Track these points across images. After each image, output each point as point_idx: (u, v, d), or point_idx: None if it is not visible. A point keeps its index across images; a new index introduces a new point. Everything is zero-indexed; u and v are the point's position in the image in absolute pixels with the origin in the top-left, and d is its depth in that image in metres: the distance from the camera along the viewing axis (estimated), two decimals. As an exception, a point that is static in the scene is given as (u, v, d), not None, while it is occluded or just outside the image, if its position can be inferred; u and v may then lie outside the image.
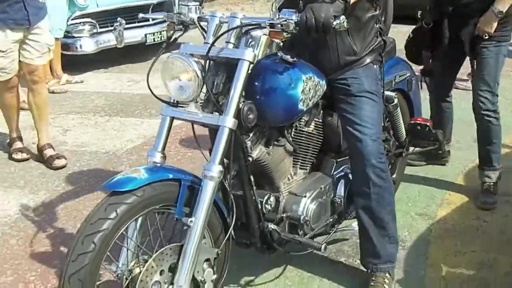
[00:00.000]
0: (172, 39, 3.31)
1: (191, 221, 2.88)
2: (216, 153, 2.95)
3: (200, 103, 3.11)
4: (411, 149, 4.76)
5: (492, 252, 4.15)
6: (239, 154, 3.16)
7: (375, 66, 3.64)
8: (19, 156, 5.90)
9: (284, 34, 2.93)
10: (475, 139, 6.07)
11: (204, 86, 3.01)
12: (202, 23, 3.22)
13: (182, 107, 3.11)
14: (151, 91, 3.15)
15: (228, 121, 2.95)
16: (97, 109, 7.48)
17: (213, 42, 3.02)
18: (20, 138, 6.05)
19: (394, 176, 4.61)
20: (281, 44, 3.26)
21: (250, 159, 3.22)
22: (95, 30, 9.03)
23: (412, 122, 4.50)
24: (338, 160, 3.79)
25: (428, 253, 4.15)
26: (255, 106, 3.09)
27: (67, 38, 8.73)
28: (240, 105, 3.02)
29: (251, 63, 3.00)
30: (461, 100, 7.59)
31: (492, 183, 4.88)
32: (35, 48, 5.50)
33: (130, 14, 8.54)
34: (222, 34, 3.07)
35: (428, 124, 4.44)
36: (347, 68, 3.52)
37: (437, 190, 5.05)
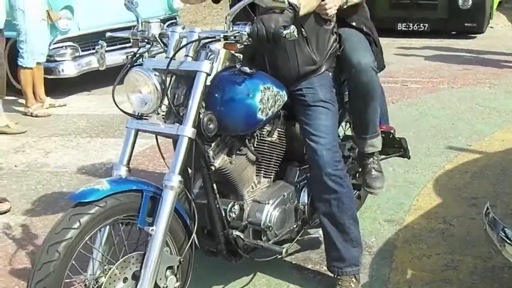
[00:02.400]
0: (137, 55, 3.39)
1: (152, 229, 2.99)
2: (176, 163, 3.06)
3: (162, 115, 3.23)
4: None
5: (456, 254, 4.27)
6: (201, 164, 3.28)
7: (330, 73, 3.78)
8: None
9: (238, 45, 3.08)
10: (446, 145, 6.27)
11: (166, 99, 3.14)
12: (165, 39, 3.33)
13: (145, 119, 3.23)
14: (116, 104, 3.26)
15: (187, 130, 3.06)
16: (79, 131, 7.59)
17: (173, 56, 3.14)
18: None
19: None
20: (241, 57, 3.38)
21: (213, 168, 3.34)
22: (77, 54, 9.03)
23: None
24: (301, 168, 3.90)
25: (394, 257, 4.27)
26: (215, 116, 3.22)
27: (49, 62, 8.77)
28: (201, 115, 3.14)
29: (208, 74, 3.13)
30: (432, 108, 7.81)
31: (376, 160, 4.40)
32: None
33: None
34: (180, 48, 3.19)
35: (391, 131, 4.51)
36: (305, 78, 3.67)
37: (406, 196, 5.18)
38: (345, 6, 3.77)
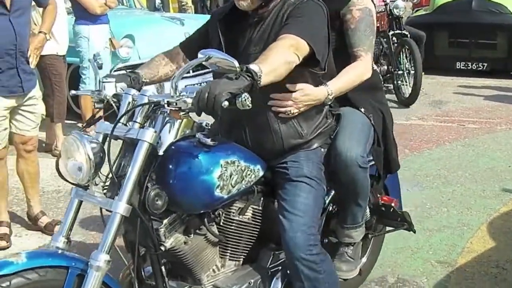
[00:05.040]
0: (96, 117, 3.22)
1: None
2: (104, 241, 2.72)
3: (106, 185, 2.91)
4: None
5: (509, 298, 4.21)
6: (148, 243, 2.92)
7: (322, 149, 3.43)
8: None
9: (181, 113, 2.73)
10: (501, 188, 6.21)
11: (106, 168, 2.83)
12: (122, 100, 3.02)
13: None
14: (60, 174, 2.96)
15: (120, 207, 2.71)
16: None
17: (117, 121, 2.83)
18: (8, 224, 5.41)
19: (365, 258, 4.32)
20: (209, 125, 3.06)
21: (163, 248, 2.94)
22: (136, 81, 9.10)
23: (376, 201, 4.09)
24: (277, 252, 3.47)
25: (444, 299, 4.23)
26: (165, 192, 2.87)
27: (109, 89, 8.86)
28: (148, 189, 2.81)
29: (150, 144, 2.76)
30: (489, 149, 7.72)
31: (351, 248, 3.91)
32: (31, 119, 5.20)
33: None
34: (126, 113, 2.89)
35: (392, 204, 4.07)
36: (292, 151, 3.31)
37: (459, 238, 5.14)
38: (329, 103, 3.37)
